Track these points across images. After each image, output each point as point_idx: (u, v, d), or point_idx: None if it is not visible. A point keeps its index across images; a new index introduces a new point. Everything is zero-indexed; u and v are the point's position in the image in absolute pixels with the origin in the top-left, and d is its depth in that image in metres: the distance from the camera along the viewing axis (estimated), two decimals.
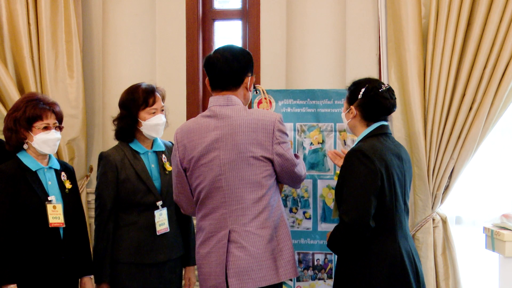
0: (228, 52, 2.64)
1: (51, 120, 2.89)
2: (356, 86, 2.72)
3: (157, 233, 2.99)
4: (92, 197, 3.73)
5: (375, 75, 3.64)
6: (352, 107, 2.70)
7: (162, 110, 3.07)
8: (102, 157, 3.05)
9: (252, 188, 2.53)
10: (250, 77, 2.66)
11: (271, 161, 2.56)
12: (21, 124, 2.84)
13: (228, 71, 2.59)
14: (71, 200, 2.96)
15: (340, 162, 2.99)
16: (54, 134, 2.89)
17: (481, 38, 3.34)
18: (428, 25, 3.42)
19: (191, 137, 2.61)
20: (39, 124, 2.86)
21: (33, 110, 2.85)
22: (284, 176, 2.63)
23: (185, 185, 2.70)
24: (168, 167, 3.06)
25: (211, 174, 2.56)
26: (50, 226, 2.82)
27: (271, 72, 3.86)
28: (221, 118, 2.57)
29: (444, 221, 3.50)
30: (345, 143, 3.21)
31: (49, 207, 2.84)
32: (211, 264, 2.57)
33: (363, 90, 2.67)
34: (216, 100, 2.62)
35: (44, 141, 2.86)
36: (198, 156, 2.58)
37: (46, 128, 2.87)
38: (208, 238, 2.59)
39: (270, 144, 2.54)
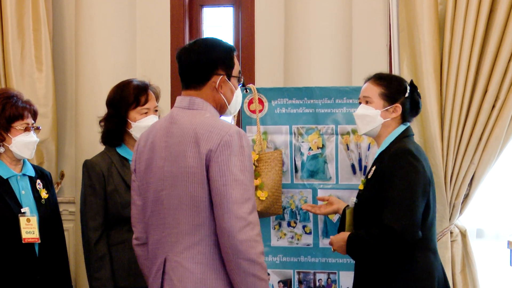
0: (202, 42, 2.46)
1: (30, 120, 2.89)
2: (398, 81, 2.75)
3: None
4: (64, 208, 3.90)
5: (385, 70, 3.65)
6: (399, 104, 2.69)
7: (156, 111, 3.04)
8: (87, 166, 2.99)
9: (190, 210, 2.31)
10: (221, 77, 2.42)
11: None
12: (0, 124, 2.82)
13: (191, 65, 2.41)
14: (47, 211, 2.93)
15: (323, 209, 3.04)
16: (33, 136, 2.89)
17: (506, 26, 3.32)
18: (445, 12, 3.41)
19: (144, 143, 2.49)
20: (19, 124, 2.84)
21: (14, 109, 2.83)
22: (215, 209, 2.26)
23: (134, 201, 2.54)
24: None
25: (153, 188, 2.40)
26: (23, 242, 2.79)
27: (267, 66, 3.87)
28: (174, 123, 2.40)
29: (463, 235, 3.49)
30: (348, 148, 3.19)
31: (22, 220, 2.80)
32: None
33: (409, 87, 2.71)
34: (180, 101, 2.45)
35: (25, 144, 2.85)
36: (144, 166, 2.45)
37: (26, 129, 2.86)
38: (152, 264, 2.43)
39: (214, 160, 2.27)
